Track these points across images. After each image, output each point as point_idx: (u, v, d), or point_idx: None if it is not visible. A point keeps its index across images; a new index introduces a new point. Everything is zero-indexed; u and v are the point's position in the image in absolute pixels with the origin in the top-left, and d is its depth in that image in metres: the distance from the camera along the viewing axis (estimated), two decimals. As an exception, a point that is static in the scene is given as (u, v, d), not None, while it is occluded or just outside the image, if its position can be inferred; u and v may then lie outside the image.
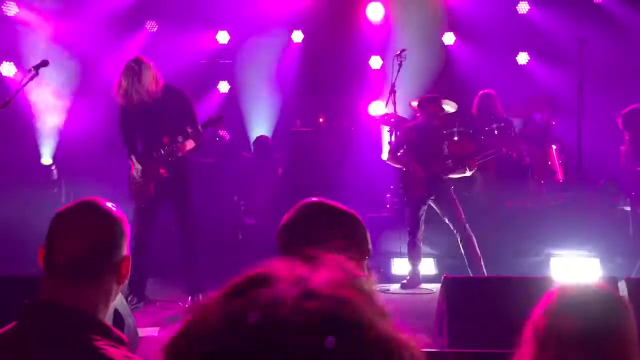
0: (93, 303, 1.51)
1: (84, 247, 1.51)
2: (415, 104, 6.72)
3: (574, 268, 5.96)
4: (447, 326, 3.04)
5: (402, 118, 7.48)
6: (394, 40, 8.59)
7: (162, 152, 5.23)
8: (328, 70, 8.86)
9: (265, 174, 7.63)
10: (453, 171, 6.11)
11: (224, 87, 9.14)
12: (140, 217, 5.32)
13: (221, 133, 8.26)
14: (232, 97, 8.97)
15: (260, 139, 8.06)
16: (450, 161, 6.12)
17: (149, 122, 5.25)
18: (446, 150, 6.19)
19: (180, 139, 5.19)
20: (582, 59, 6.62)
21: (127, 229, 1.60)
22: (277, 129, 8.71)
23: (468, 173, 6.12)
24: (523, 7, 8.98)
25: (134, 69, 5.14)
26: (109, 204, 1.59)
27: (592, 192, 6.99)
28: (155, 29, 8.75)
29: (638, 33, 8.63)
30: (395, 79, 6.86)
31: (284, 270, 0.75)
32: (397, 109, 6.99)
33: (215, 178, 7.38)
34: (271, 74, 8.84)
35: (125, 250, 1.58)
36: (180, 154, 5.21)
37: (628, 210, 6.78)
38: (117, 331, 1.51)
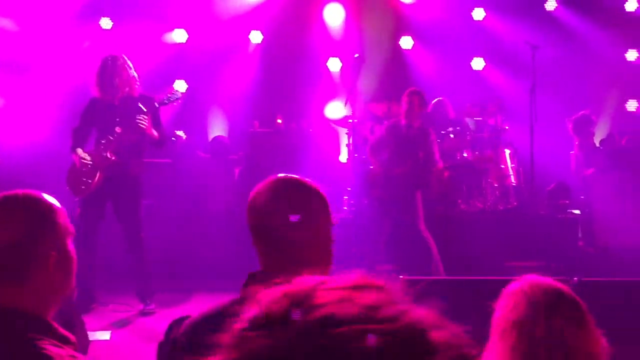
0: (32, 302, 1.45)
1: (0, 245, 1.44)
2: (375, 108, 6.75)
3: (526, 269, 6.09)
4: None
5: (361, 121, 7.52)
6: (352, 42, 8.64)
7: (111, 138, 5.17)
8: (287, 71, 8.84)
9: (222, 175, 7.55)
10: (422, 175, 6.15)
11: (181, 86, 9.01)
12: (86, 216, 5.20)
13: (177, 133, 8.14)
14: (189, 97, 8.85)
15: (217, 139, 7.98)
16: (416, 166, 6.14)
17: (113, 120, 5.20)
18: (419, 154, 6.19)
19: (141, 116, 5.10)
20: (535, 65, 6.78)
21: (58, 221, 1.51)
22: (235, 130, 8.64)
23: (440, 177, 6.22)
24: (479, 14, 9.16)
25: (114, 65, 5.18)
26: (35, 196, 1.51)
27: (543, 196, 7.17)
28: (110, 26, 8.56)
29: (588, 41, 8.91)
30: (354, 81, 6.89)
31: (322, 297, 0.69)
32: (355, 112, 7.02)
33: (171, 178, 7.27)
34: (229, 74, 8.77)
35: (58, 245, 1.49)
36: (148, 132, 5.13)
37: (577, 213, 6.99)
38: (62, 330, 1.45)
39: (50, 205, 1.52)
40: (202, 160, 7.82)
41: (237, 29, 8.82)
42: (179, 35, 8.85)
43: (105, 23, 8.54)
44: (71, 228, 1.55)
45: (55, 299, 1.51)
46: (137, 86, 5.29)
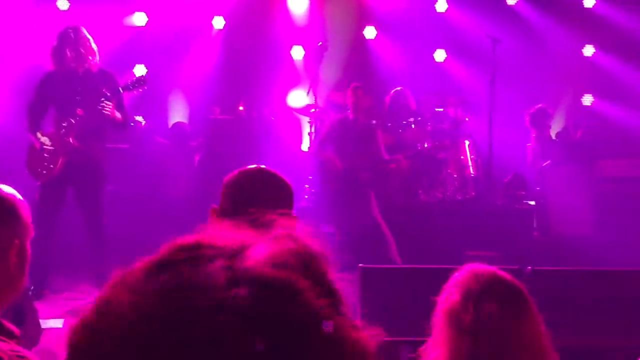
0: None
1: None
2: (337, 98, 6.75)
3: (484, 259, 6.20)
4: (359, 316, 3.09)
5: (324, 110, 7.53)
6: (316, 31, 8.61)
7: (73, 122, 4.98)
8: (249, 58, 8.76)
9: (181, 162, 7.46)
10: (373, 168, 6.21)
11: (140, 70, 8.84)
12: (46, 201, 5.06)
13: (136, 118, 7.99)
14: (149, 81, 8.69)
15: (177, 125, 7.87)
16: (367, 160, 6.20)
17: (73, 97, 4.99)
18: (373, 147, 6.24)
19: (108, 102, 4.91)
20: (495, 58, 6.89)
21: (17, 213, 1.48)
22: (195, 116, 8.53)
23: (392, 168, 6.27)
24: (441, 6, 9.23)
25: (76, 36, 4.97)
26: None
27: (500, 186, 7.31)
28: (67, 7, 8.32)
29: (547, 36, 9.08)
30: (316, 70, 6.88)
31: (220, 239, 0.61)
32: (317, 100, 7.02)
33: (129, 164, 7.14)
34: (190, 59, 8.64)
35: (17, 235, 1.46)
36: (111, 117, 4.95)
37: (533, 204, 7.15)
38: (8, 324, 1.42)
39: (13, 199, 1.49)
40: (162, 146, 7.71)
41: (199, 13, 8.68)
42: (138, 18, 8.66)
43: (62, 4, 8.30)
44: (31, 228, 1.52)
45: (7, 296, 1.47)
46: (97, 61, 5.11)
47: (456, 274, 1.79)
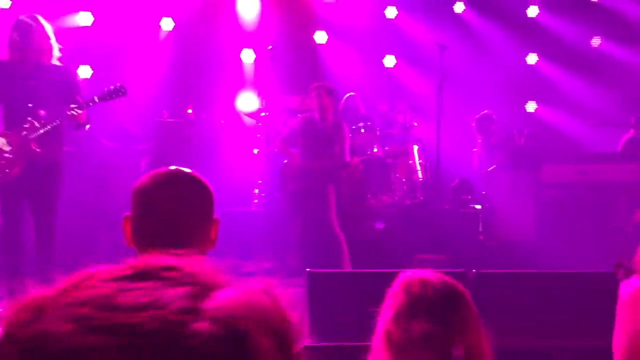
0: None
1: None
2: (288, 102, 6.72)
3: (430, 262, 6.28)
4: (308, 321, 3.07)
5: (274, 113, 7.49)
6: (266, 34, 8.57)
7: (36, 125, 4.54)
8: (199, 60, 8.65)
9: (127, 166, 7.28)
10: (336, 169, 6.20)
11: (85, 72, 8.60)
12: (6, 212, 4.70)
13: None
14: (95, 83, 8.47)
15: (123, 128, 7.69)
16: (332, 160, 6.18)
17: (28, 90, 4.54)
18: (334, 149, 6.21)
19: (75, 107, 4.46)
20: (443, 64, 7.00)
21: None
22: (142, 119, 8.35)
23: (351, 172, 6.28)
24: (391, 12, 9.34)
25: (32, 25, 4.52)
26: None
27: (448, 191, 7.43)
28: (9, 5, 8.03)
29: (492, 44, 9.31)
30: (267, 74, 6.85)
31: (198, 270, 0.58)
32: (267, 104, 6.98)
33: (74, 167, 6.92)
34: (137, 61, 8.46)
35: None
36: (81, 122, 4.56)
37: (478, 208, 7.30)
38: None
39: None
40: (107, 149, 7.51)
41: (147, 14, 8.52)
42: (84, 18, 8.44)
43: (3, 2, 8.00)
44: None
45: None
46: (57, 54, 4.63)
47: (393, 283, 1.72)
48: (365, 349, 1.91)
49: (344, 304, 3.13)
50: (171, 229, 1.55)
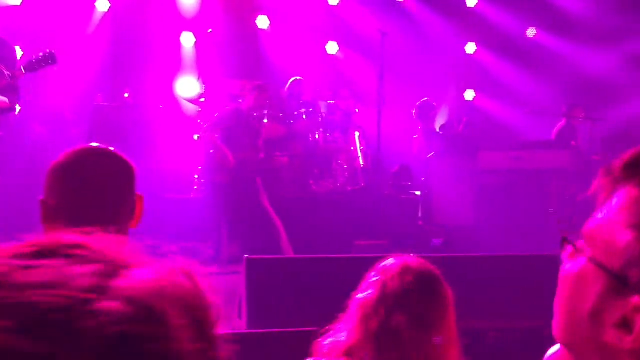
0: None
1: None
2: (228, 87, 6.61)
3: (371, 247, 6.34)
4: (246, 308, 3.03)
5: (214, 98, 7.35)
6: (207, 17, 8.39)
7: None
8: (136, 43, 8.38)
9: (60, 151, 7.01)
10: (264, 162, 6.16)
11: (17, 52, 8.19)
12: None
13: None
14: (24, 65, 8.08)
15: (56, 111, 7.38)
16: (257, 152, 6.14)
17: None
18: (260, 141, 6.19)
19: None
20: (384, 52, 7.03)
21: None
22: (76, 102, 8.05)
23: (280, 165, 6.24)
24: (333, -1, 9.32)
25: None
26: None
27: (388, 177, 7.50)
28: None
29: (433, 32, 9.43)
30: (207, 58, 6.71)
31: (109, 248, 0.53)
32: (207, 89, 6.84)
33: (2, 154, 6.60)
34: (71, 42, 8.13)
35: None
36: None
37: (418, 194, 7.40)
38: None
39: None
40: (38, 134, 7.20)
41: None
42: (13, -3, 8.03)
43: None
44: None
45: None
46: None
47: (385, 265, 1.71)
48: (304, 335, 1.88)
49: (282, 290, 3.10)
50: (89, 205, 1.48)
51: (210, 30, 6.81)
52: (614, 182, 0.65)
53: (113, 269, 0.51)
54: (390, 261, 1.73)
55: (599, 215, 0.65)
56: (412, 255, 1.77)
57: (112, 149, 1.59)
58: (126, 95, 7.73)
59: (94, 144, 1.61)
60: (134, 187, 1.56)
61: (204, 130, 6.38)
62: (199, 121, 7.27)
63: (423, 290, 1.67)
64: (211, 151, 6.24)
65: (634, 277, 0.60)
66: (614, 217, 0.63)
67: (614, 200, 0.64)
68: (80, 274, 0.49)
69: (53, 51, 4.44)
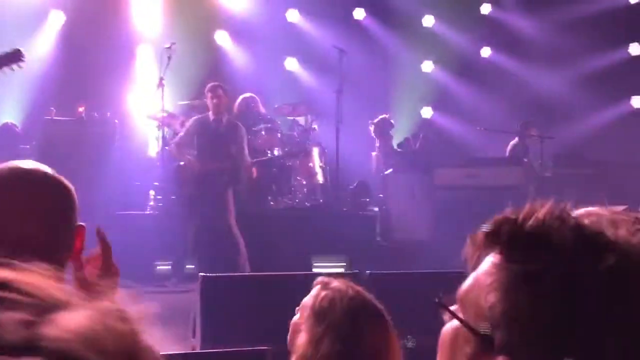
0: None
1: None
2: (187, 103, 6.54)
3: (328, 263, 6.36)
4: (201, 326, 2.99)
5: (170, 113, 7.28)
6: (165, 31, 8.32)
7: None
8: (92, 56, 8.24)
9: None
10: (233, 170, 6.11)
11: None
12: None
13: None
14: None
15: (6, 126, 7.19)
16: (230, 162, 6.07)
17: None
18: (235, 148, 6.11)
19: None
20: (342, 68, 7.10)
21: None
22: (28, 117, 7.85)
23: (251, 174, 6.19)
24: (292, 15, 9.37)
25: None
26: None
27: (346, 193, 7.54)
28: None
29: (390, 51, 9.58)
30: (164, 72, 6.65)
31: (35, 285, 0.49)
32: (164, 104, 6.78)
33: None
34: (24, 54, 7.93)
35: None
36: None
37: (376, 210, 7.46)
38: None
39: None
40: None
41: (36, 5, 8.03)
42: (-38, 7, 7.82)
43: None
44: None
45: None
46: None
47: (312, 299, 1.70)
48: (259, 354, 1.87)
49: (238, 308, 3.07)
50: (17, 236, 1.26)
51: (169, 45, 6.75)
52: (479, 249, 0.70)
53: (42, 313, 0.48)
54: (317, 291, 1.72)
55: (471, 278, 0.70)
56: (342, 278, 1.77)
57: (47, 169, 1.37)
58: (80, 109, 7.58)
59: (25, 162, 1.38)
60: (74, 215, 1.37)
61: (173, 143, 6.30)
62: (156, 137, 7.17)
63: (352, 315, 1.65)
64: (181, 163, 6.16)
65: (498, 339, 0.63)
66: (482, 281, 0.67)
67: (483, 265, 0.69)
68: (7, 323, 0.46)
69: (20, 50, 4.28)
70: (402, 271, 4.20)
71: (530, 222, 0.65)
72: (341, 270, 5.92)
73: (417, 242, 6.82)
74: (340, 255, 6.58)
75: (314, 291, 1.72)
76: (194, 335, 3.12)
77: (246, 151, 6.18)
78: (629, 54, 9.57)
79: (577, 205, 0.66)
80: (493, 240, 0.67)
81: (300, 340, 1.65)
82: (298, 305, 1.76)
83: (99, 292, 0.54)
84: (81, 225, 1.38)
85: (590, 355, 0.60)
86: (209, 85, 6.15)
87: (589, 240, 0.63)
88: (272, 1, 9.04)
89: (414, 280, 3.71)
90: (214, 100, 6.00)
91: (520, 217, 0.66)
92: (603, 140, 8.66)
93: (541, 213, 0.65)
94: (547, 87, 9.43)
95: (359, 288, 1.74)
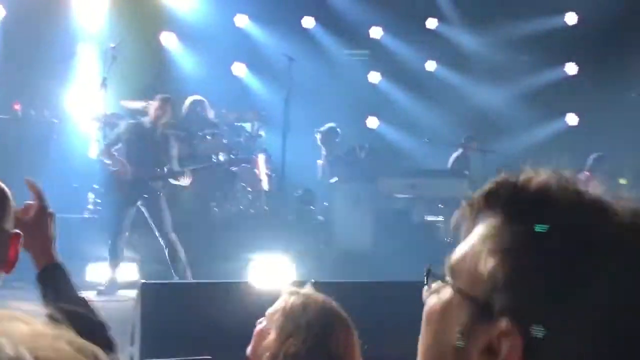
0: None
1: None
2: (130, 104, 6.40)
3: (271, 271, 6.30)
4: (140, 335, 2.90)
5: (113, 114, 7.10)
6: (108, 31, 8.10)
7: None
8: (31, 52, 7.94)
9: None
10: (167, 178, 5.98)
11: None
12: None
13: None
14: None
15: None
16: (166, 167, 5.95)
17: None
18: (165, 156, 6.00)
19: None
20: (291, 76, 7.09)
21: None
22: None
23: (184, 183, 6.06)
24: (241, 20, 9.30)
25: None
26: None
27: (292, 201, 7.52)
28: None
29: (338, 60, 9.65)
30: (108, 72, 6.48)
31: None
32: (107, 104, 6.60)
33: None
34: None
35: None
36: None
37: (321, 219, 7.47)
38: None
39: None
40: None
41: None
42: None
43: None
44: None
45: None
46: None
47: (283, 303, 1.71)
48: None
49: (178, 317, 3.00)
50: None
51: (112, 45, 6.57)
52: (476, 212, 0.67)
53: None
54: (285, 299, 1.73)
55: (463, 246, 0.67)
56: (309, 286, 1.78)
57: None
58: (16, 107, 7.28)
59: None
60: (8, 222, 1.28)
61: (104, 146, 6.12)
62: (97, 139, 6.96)
63: (321, 324, 1.68)
64: (112, 168, 5.99)
65: (499, 303, 0.61)
66: (478, 247, 0.65)
67: (477, 230, 0.66)
68: None
69: None
70: (345, 280, 4.21)
71: (532, 183, 0.64)
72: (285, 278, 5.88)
73: (361, 250, 6.86)
74: (285, 264, 6.54)
75: (283, 296, 1.74)
76: (132, 344, 3.02)
77: (176, 161, 6.09)
78: (565, 72, 9.95)
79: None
80: (492, 201, 0.65)
81: (269, 339, 1.65)
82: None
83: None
84: (16, 232, 1.30)
85: (600, 311, 0.58)
86: (162, 96, 6.05)
87: (592, 202, 0.63)
88: (220, 4, 8.94)
89: (357, 290, 3.72)
90: (158, 112, 5.92)
91: (520, 179, 0.65)
92: (539, 155, 8.95)
93: (542, 176, 0.65)
94: (489, 102, 9.70)
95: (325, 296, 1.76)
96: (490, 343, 0.61)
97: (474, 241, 0.66)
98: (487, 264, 0.62)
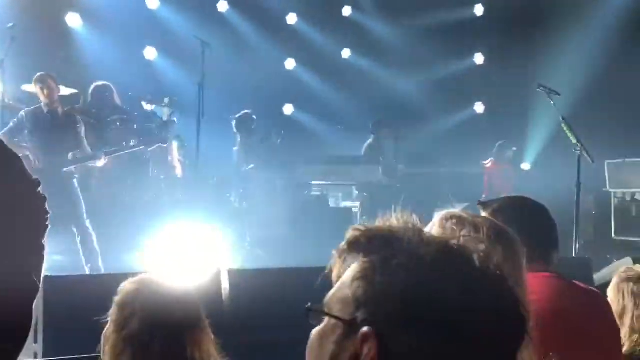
0: None
1: None
2: (32, 87, 6.03)
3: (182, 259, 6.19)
4: (43, 331, 2.77)
5: (15, 100, 6.71)
6: (6, 9, 7.62)
7: None
8: None
9: None
10: (80, 162, 5.73)
11: None
12: None
13: None
14: None
15: None
16: (75, 152, 5.70)
17: None
18: (74, 140, 5.74)
19: None
20: (205, 61, 6.94)
21: None
22: None
23: (99, 164, 5.84)
24: (153, 3, 9.00)
25: None
26: None
27: (207, 188, 7.40)
28: None
29: (253, 46, 9.55)
30: (6, 54, 6.10)
31: None
32: (6, 89, 6.22)
33: None
34: None
35: None
36: None
37: (237, 207, 7.40)
38: None
39: None
40: None
41: None
42: None
43: None
44: None
45: None
46: None
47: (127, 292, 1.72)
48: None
49: (84, 312, 2.88)
50: None
51: (11, 24, 6.19)
52: (343, 259, 0.84)
53: None
54: (130, 281, 1.78)
55: (335, 286, 0.82)
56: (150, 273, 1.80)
57: None
58: None
59: None
60: None
61: (4, 134, 5.77)
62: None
63: (180, 320, 1.70)
64: (19, 156, 5.65)
65: (361, 317, 0.76)
66: (346, 280, 0.81)
67: (345, 274, 0.82)
68: None
69: None
70: (260, 268, 4.20)
71: (383, 227, 0.84)
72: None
73: (276, 237, 6.86)
74: (200, 252, 6.43)
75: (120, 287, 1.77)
76: (35, 341, 2.88)
77: (86, 142, 5.84)
78: (474, 62, 10.32)
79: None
80: (354, 246, 0.82)
81: (107, 331, 1.71)
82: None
83: None
84: None
85: (436, 313, 0.74)
86: (37, 75, 5.72)
87: (423, 237, 0.81)
88: (130, -15, 8.63)
89: (272, 277, 3.72)
90: (45, 91, 5.62)
91: (371, 226, 0.84)
92: (450, 141, 9.28)
93: (390, 221, 0.84)
94: (402, 89, 9.92)
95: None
96: (355, 352, 0.75)
97: (344, 278, 0.81)
98: (352, 289, 0.78)
